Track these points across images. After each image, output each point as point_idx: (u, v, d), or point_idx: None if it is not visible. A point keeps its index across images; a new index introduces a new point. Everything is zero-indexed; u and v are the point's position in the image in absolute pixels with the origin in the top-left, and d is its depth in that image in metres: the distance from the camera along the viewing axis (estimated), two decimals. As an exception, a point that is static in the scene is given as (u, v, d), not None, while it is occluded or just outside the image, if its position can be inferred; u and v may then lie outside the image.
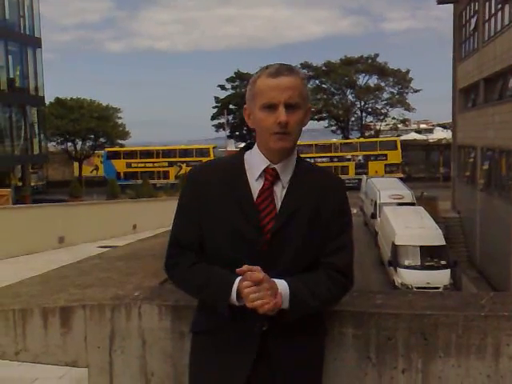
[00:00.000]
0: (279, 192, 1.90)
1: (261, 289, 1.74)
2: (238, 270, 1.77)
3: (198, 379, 1.99)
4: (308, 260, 1.89)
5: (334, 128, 64.29)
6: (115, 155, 53.45)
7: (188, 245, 1.94)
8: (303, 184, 1.91)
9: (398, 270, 17.81)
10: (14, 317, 2.44)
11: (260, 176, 1.90)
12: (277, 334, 1.86)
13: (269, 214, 1.86)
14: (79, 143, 56.54)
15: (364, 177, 34.95)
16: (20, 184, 37.48)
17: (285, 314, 1.82)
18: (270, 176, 1.90)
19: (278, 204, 1.88)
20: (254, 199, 1.88)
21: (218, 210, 1.88)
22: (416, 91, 60.69)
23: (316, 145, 52.35)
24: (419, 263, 18.01)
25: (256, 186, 1.89)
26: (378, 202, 24.27)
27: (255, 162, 1.92)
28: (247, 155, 1.96)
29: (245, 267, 1.76)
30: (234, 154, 2.01)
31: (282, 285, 1.80)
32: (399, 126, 64.44)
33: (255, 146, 1.95)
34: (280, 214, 1.86)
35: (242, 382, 1.86)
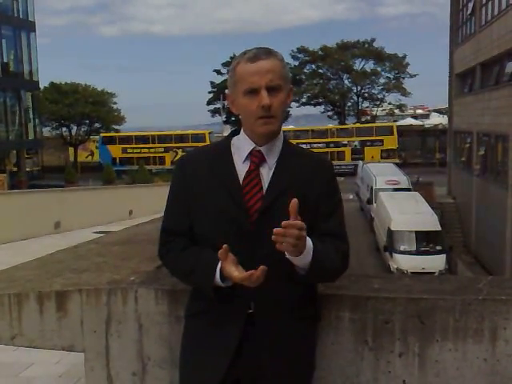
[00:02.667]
0: (266, 174, 1.90)
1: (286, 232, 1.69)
2: (220, 251, 1.74)
3: (185, 362, 2.00)
4: None
5: (330, 113, 64.17)
6: (111, 140, 53.19)
7: (179, 231, 1.95)
8: (290, 166, 1.91)
9: (394, 255, 17.90)
10: (10, 301, 2.43)
11: (246, 158, 1.92)
12: (264, 316, 1.86)
13: (255, 195, 1.87)
14: (74, 128, 56.20)
15: (360, 162, 34.96)
16: (15, 169, 37.35)
17: (298, 274, 1.83)
18: (256, 158, 1.91)
19: (265, 186, 1.88)
20: (241, 181, 1.89)
21: (205, 194, 1.89)
22: (412, 76, 60.57)
23: (312, 130, 52.31)
24: (415, 248, 18.12)
25: (243, 169, 1.91)
26: (373, 187, 24.31)
27: (241, 146, 1.94)
28: (234, 140, 1.97)
29: (224, 247, 1.74)
30: (221, 140, 2.03)
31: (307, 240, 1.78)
32: (395, 111, 64.31)
33: (241, 131, 1.96)
34: (267, 195, 1.87)
35: (227, 364, 1.86)
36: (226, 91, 1.96)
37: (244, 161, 1.92)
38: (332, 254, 1.88)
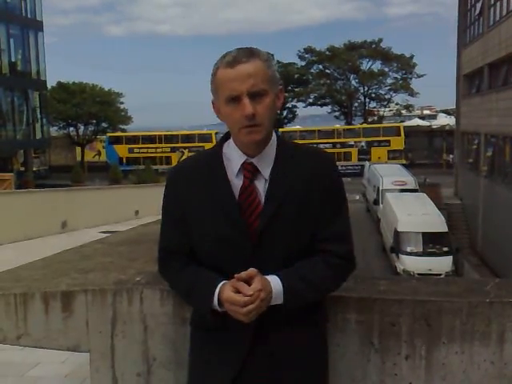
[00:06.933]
0: (261, 187, 1.79)
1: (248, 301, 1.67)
2: (236, 276, 1.69)
3: (195, 371, 1.96)
4: (300, 250, 1.80)
5: (337, 114, 64.05)
6: (117, 140, 53.32)
7: (176, 249, 1.89)
8: (286, 173, 1.79)
9: (400, 256, 17.85)
10: (16, 301, 2.43)
11: (239, 171, 1.80)
12: (274, 323, 1.80)
13: (253, 213, 1.77)
14: (81, 128, 56.42)
15: (367, 163, 34.89)
16: (22, 169, 37.49)
17: (280, 307, 1.76)
18: (249, 172, 1.79)
19: (262, 200, 1.78)
20: (236, 197, 1.78)
21: (200, 213, 1.80)
22: (420, 76, 60.35)
23: (319, 131, 52.24)
24: (421, 250, 18.06)
25: (237, 183, 1.80)
26: (380, 188, 24.27)
27: (233, 158, 1.82)
28: (225, 148, 1.85)
29: (242, 275, 1.69)
30: (213, 148, 1.90)
31: (274, 282, 1.73)
32: (403, 111, 64.13)
33: (231, 140, 1.84)
34: (264, 211, 1.76)
35: (237, 370, 1.82)
36: (212, 100, 1.82)
37: (237, 174, 1.80)
38: (320, 275, 1.80)
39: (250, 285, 1.68)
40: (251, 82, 1.69)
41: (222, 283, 1.74)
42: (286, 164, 1.81)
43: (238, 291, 1.68)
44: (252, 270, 1.70)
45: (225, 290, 1.70)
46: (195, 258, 1.88)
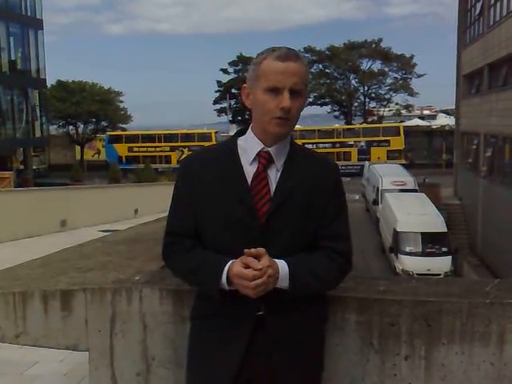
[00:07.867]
0: (273, 175, 1.89)
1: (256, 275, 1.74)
2: (246, 251, 1.76)
3: (194, 364, 1.99)
4: (304, 243, 1.89)
5: (336, 113, 64.06)
6: (117, 139, 53.28)
7: (184, 233, 1.94)
8: (297, 168, 1.90)
9: (400, 256, 17.85)
10: (15, 300, 2.43)
11: (254, 160, 1.90)
12: (274, 318, 1.86)
13: (263, 198, 1.86)
14: (81, 127, 56.36)
15: (366, 163, 34.87)
16: (22, 167, 37.46)
17: (283, 292, 1.82)
18: (264, 159, 1.89)
19: (273, 188, 1.87)
20: (249, 183, 1.87)
21: (212, 196, 1.87)
22: (420, 76, 60.35)
23: (319, 130, 52.23)
24: (420, 250, 18.06)
25: (250, 170, 1.89)
26: (380, 188, 24.25)
27: (249, 146, 1.91)
28: (241, 140, 1.94)
29: (253, 251, 1.76)
30: (227, 140, 2.00)
31: (281, 264, 1.80)
32: (402, 111, 64.14)
33: (249, 130, 1.94)
34: (274, 197, 1.85)
35: (237, 364, 1.86)
36: (245, 85, 1.92)
37: (251, 162, 1.89)
38: (323, 267, 1.88)
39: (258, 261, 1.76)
40: (295, 80, 1.81)
41: (231, 261, 1.80)
42: (297, 160, 1.93)
43: (247, 267, 1.75)
44: (261, 249, 1.77)
45: (234, 266, 1.78)
46: (201, 244, 1.93)
